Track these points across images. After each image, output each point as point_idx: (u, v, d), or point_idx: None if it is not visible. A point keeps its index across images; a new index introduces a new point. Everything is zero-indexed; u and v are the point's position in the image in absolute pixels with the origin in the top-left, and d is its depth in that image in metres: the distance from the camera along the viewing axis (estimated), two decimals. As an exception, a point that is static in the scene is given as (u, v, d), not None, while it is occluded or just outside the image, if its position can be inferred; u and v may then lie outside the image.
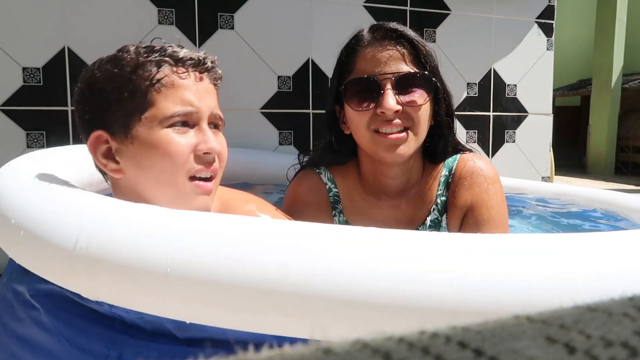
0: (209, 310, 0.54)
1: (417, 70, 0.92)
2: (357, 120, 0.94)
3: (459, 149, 1.05)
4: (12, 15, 1.99)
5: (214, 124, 0.84)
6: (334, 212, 1.04)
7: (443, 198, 1.02)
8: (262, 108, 2.41)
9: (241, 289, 0.52)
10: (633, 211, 1.34)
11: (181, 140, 0.77)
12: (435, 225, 1.02)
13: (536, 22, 2.97)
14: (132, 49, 0.81)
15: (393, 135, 0.91)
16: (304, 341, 0.47)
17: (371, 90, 0.92)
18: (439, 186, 1.03)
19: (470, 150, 1.06)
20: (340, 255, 0.53)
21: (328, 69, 2.47)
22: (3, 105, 2.00)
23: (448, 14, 2.72)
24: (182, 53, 0.81)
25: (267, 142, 2.42)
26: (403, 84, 0.91)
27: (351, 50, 0.98)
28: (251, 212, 0.92)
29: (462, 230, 0.99)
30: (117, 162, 0.80)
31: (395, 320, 0.50)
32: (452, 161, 1.04)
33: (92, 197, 0.71)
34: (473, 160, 1.02)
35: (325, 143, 1.07)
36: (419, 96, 0.92)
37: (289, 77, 2.43)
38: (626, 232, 0.63)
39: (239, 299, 0.52)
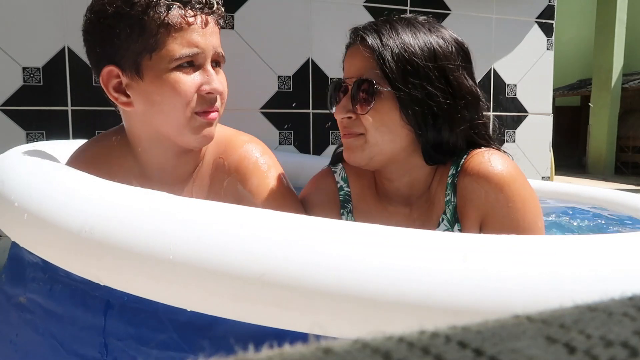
0: (209, 299, 0.54)
1: (365, 78, 0.88)
2: None
3: (472, 144, 0.92)
4: (12, 15, 1.99)
5: (216, 62, 0.90)
6: (342, 211, 1.02)
7: (452, 204, 0.90)
8: (262, 108, 2.41)
9: (243, 279, 0.52)
10: (635, 210, 1.34)
11: (187, 80, 0.84)
12: None
13: (536, 22, 2.97)
14: None
15: (346, 137, 0.92)
16: (304, 335, 0.47)
17: (337, 95, 0.93)
18: (446, 190, 0.91)
19: (487, 145, 0.93)
20: (341, 251, 0.53)
21: (328, 69, 2.47)
22: (3, 105, 2.00)
23: (448, 14, 2.72)
24: None
25: (267, 142, 2.41)
26: (354, 91, 0.89)
27: (345, 51, 0.98)
28: (246, 154, 0.96)
29: None
30: (127, 96, 0.87)
31: (395, 318, 0.50)
32: (461, 158, 0.91)
33: (99, 181, 0.71)
34: (482, 155, 0.88)
35: None
36: (363, 104, 0.88)
37: (289, 77, 2.43)
38: (626, 233, 0.63)
39: (240, 289, 0.52)
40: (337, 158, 1.07)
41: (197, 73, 0.86)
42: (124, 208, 0.61)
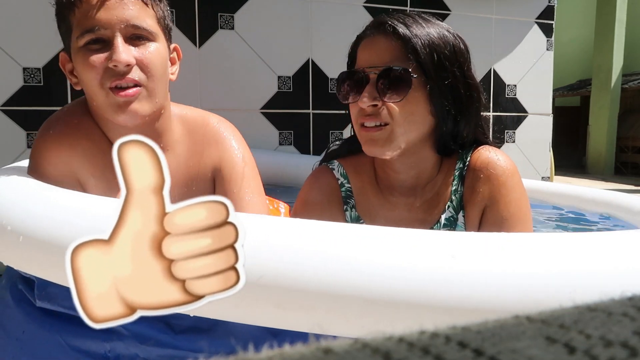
0: (212, 303, 0.55)
1: (394, 66, 0.89)
2: (351, 112, 0.96)
3: (476, 140, 1.00)
4: (13, 15, 1.99)
5: (136, 36, 0.90)
6: (345, 207, 1.03)
7: (458, 193, 0.99)
8: (262, 108, 2.41)
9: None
10: (634, 213, 1.34)
11: (92, 55, 0.87)
12: (451, 224, 0.98)
13: (536, 22, 2.97)
14: None
15: (370, 129, 0.91)
16: (303, 335, 0.47)
17: (357, 84, 0.92)
18: (453, 181, 0.99)
19: (488, 143, 1.01)
20: (334, 253, 0.53)
21: (328, 69, 2.47)
22: (3, 105, 2.00)
23: (448, 14, 2.72)
24: None
25: (267, 142, 2.42)
26: (382, 79, 0.89)
27: (355, 42, 0.98)
28: (220, 127, 1.05)
29: (482, 229, 0.95)
30: (76, 77, 0.94)
31: (391, 318, 0.50)
32: (467, 153, 1.00)
33: (94, 198, 0.71)
34: (489, 151, 0.98)
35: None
36: (395, 93, 0.89)
37: (289, 77, 2.43)
38: (626, 232, 0.63)
39: (239, 292, 0.53)
40: (332, 155, 1.08)
41: (105, 48, 0.87)
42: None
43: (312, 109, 2.49)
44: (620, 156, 8.29)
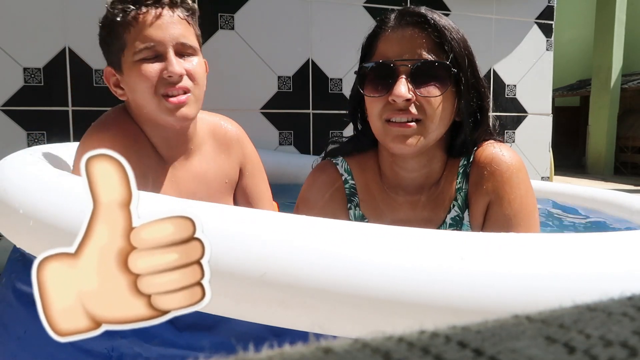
0: (213, 299, 0.55)
1: (436, 59, 0.85)
2: (371, 107, 0.90)
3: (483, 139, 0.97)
4: (13, 15, 1.99)
5: (183, 53, 1.04)
6: (349, 204, 0.99)
7: (463, 191, 0.95)
8: (262, 108, 2.41)
9: (244, 279, 0.52)
10: (635, 212, 1.34)
11: (149, 68, 1.01)
12: (457, 224, 0.95)
13: (536, 22, 2.97)
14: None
15: (402, 125, 0.86)
16: (304, 335, 0.47)
17: (386, 77, 0.86)
18: (457, 179, 0.96)
19: (494, 138, 0.98)
20: (338, 251, 0.53)
21: (328, 69, 2.47)
22: (4, 105, 2.00)
23: (448, 15, 2.72)
24: None
25: (267, 142, 2.42)
26: (419, 73, 0.84)
27: (374, 33, 0.93)
28: (238, 127, 1.23)
29: (485, 227, 0.92)
30: (122, 89, 1.07)
31: (395, 318, 0.50)
32: (471, 149, 0.96)
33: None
34: (493, 147, 0.94)
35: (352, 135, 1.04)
36: (434, 87, 0.85)
37: (289, 77, 2.43)
38: (626, 232, 0.63)
39: (242, 289, 0.52)
40: (335, 152, 1.05)
41: (158, 61, 1.01)
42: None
43: (312, 109, 2.49)
44: (620, 156, 8.29)
